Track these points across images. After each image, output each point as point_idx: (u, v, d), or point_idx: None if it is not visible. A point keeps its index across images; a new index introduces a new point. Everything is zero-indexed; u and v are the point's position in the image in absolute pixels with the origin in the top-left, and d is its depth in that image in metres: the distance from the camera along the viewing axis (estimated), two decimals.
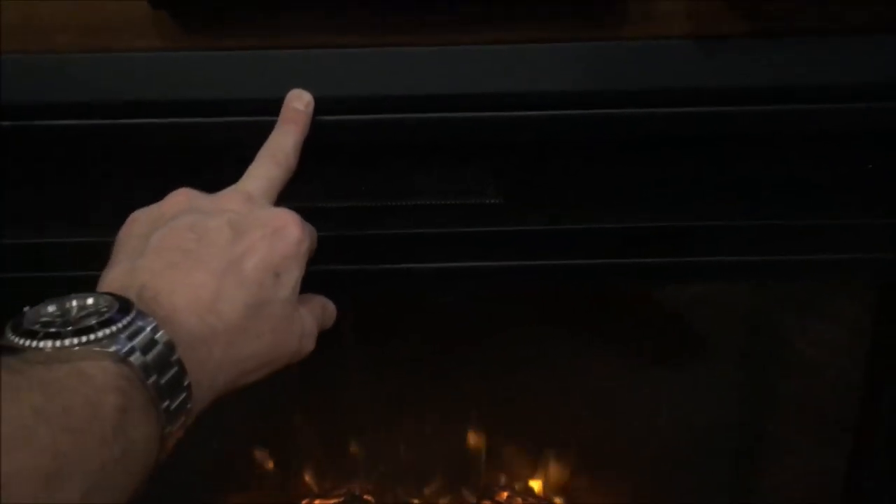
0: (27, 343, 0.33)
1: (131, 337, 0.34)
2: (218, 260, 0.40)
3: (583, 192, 0.55)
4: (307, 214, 0.47)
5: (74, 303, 0.36)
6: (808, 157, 0.54)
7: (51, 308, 0.36)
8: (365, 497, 0.90)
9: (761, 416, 0.79)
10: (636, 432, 0.85)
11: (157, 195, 0.44)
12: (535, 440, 0.90)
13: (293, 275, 0.43)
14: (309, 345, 0.45)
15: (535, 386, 0.85)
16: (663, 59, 0.50)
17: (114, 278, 0.39)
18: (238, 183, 0.46)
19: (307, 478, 0.91)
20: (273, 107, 0.49)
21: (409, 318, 0.79)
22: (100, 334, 0.34)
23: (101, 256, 0.48)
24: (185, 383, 0.36)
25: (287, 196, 0.47)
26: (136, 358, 0.34)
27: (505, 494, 0.90)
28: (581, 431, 0.88)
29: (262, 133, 0.48)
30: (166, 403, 0.35)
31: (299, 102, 0.49)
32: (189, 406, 0.36)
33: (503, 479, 0.91)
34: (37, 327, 0.34)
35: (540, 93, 0.50)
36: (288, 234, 0.43)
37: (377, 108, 0.50)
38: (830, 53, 0.50)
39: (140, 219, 0.43)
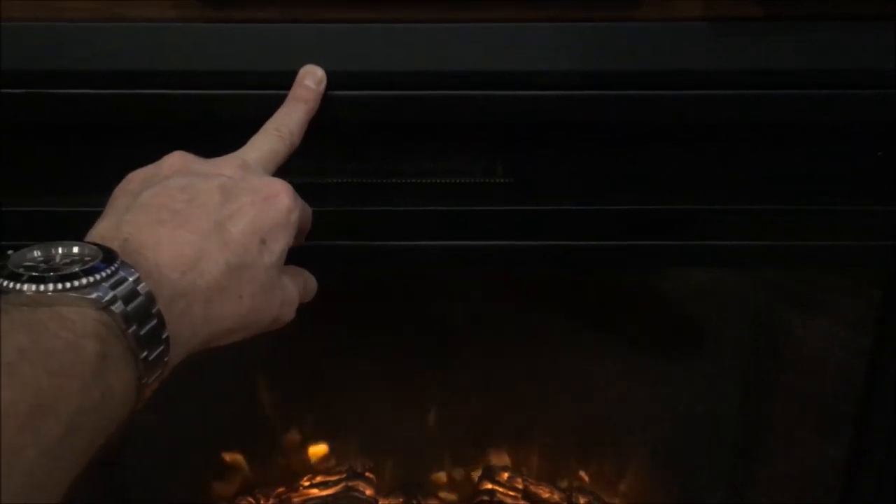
0: (10, 285, 0.34)
1: (114, 287, 0.35)
2: (204, 220, 0.40)
3: (592, 175, 0.55)
4: (313, 189, 0.47)
5: (60, 250, 0.37)
6: (819, 142, 0.54)
7: (36, 253, 0.37)
8: (366, 474, 0.90)
9: (761, 408, 0.79)
10: (636, 421, 0.85)
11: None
12: (535, 426, 0.90)
13: (279, 243, 0.43)
14: (289, 313, 0.46)
15: (535, 372, 0.85)
16: (677, 42, 0.49)
17: (99, 231, 0.40)
18: (238, 151, 0.46)
19: (309, 455, 0.91)
20: (284, 80, 0.49)
21: (411, 298, 0.79)
22: (83, 281, 0.34)
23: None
24: (164, 336, 0.36)
25: (293, 171, 0.47)
26: (117, 307, 0.34)
27: (505, 475, 0.90)
28: (580, 419, 0.88)
29: (273, 106, 0.48)
30: (144, 354, 0.35)
31: (311, 80, 0.49)
32: (166, 359, 0.37)
33: (504, 461, 0.92)
34: (20, 270, 0.34)
35: (553, 73, 0.50)
36: (278, 202, 0.43)
37: (388, 85, 0.50)
38: (846, 39, 0.50)
39: (134, 178, 0.44)
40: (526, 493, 0.89)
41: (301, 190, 0.45)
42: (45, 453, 0.30)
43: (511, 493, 0.89)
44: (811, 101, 0.51)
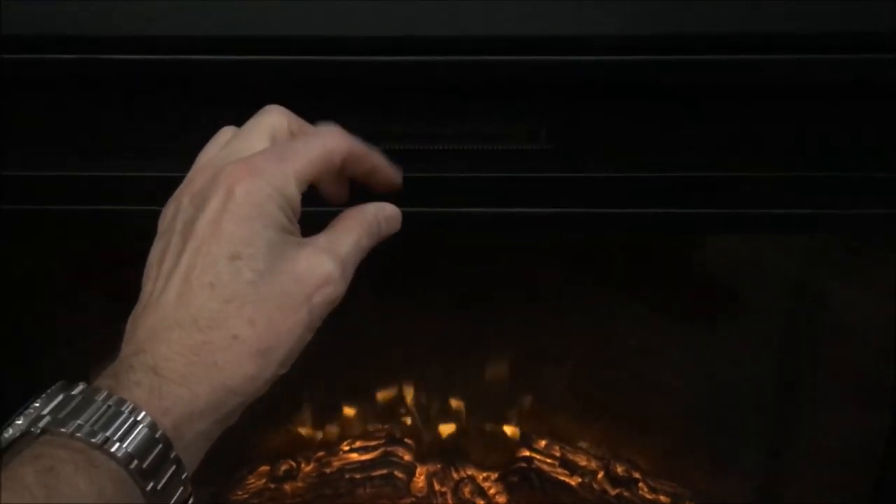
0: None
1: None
2: None
3: (634, 141, 0.54)
4: None
5: None
6: (856, 108, 0.52)
7: None
8: (405, 440, 0.91)
9: (801, 376, 0.78)
10: (675, 388, 0.84)
11: (154, 129, 0.44)
12: (573, 393, 0.89)
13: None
14: (327, 287, 0.39)
15: (574, 338, 0.84)
16: (721, 5, 0.48)
17: None
18: None
19: (348, 421, 0.92)
20: (318, 46, 0.48)
21: (451, 263, 0.78)
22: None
23: (98, 190, 0.48)
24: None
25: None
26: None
27: (543, 443, 0.90)
28: (618, 386, 0.87)
29: (275, 71, 0.47)
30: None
31: None
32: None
33: (543, 428, 0.91)
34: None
35: (593, 37, 0.49)
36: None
37: (430, 50, 0.49)
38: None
39: None
40: (563, 461, 0.89)
41: None
42: None
43: (548, 460, 0.89)
44: (858, 65, 0.49)
